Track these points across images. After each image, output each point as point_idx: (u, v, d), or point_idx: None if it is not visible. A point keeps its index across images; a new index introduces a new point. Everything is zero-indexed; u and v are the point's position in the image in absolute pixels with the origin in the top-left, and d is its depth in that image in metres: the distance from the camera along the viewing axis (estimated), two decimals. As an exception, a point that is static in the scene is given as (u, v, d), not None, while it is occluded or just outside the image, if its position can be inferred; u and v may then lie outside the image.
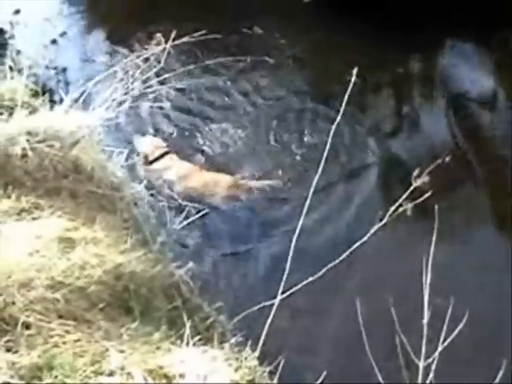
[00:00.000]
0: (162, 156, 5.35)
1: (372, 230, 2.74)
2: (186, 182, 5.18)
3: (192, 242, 4.44)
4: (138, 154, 5.23)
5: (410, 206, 2.66)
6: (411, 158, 5.64)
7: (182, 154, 5.55)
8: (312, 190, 2.81)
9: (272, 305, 2.74)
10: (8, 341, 2.40)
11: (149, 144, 5.47)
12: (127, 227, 3.33)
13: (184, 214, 4.10)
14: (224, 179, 5.20)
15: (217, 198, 4.98)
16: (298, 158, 5.67)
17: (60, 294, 2.61)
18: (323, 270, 2.81)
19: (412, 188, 2.69)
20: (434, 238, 2.64)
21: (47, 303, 2.58)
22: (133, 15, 7.86)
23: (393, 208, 2.68)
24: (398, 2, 6.97)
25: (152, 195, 3.86)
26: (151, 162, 5.35)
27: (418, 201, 2.72)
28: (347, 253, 2.83)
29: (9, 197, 3.13)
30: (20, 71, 4.46)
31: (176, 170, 5.29)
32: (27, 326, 2.48)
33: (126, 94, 4.06)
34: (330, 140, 2.86)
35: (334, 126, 2.89)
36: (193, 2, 7.63)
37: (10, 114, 3.58)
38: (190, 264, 3.27)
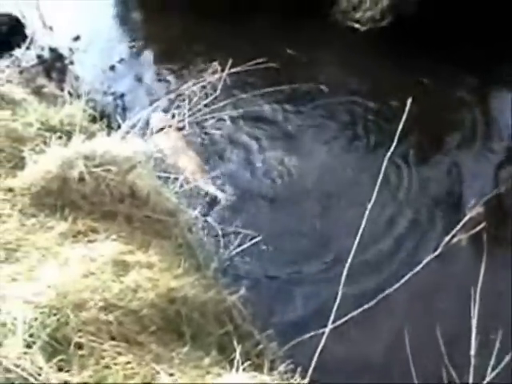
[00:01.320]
0: (162, 129, 5.72)
1: (425, 261, 2.83)
2: (175, 159, 5.60)
3: (245, 269, 4.59)
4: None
5: (464, 236, 2.73)
6: (466, 188, 5.71)
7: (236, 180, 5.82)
8: (365, 218, 2.92)
9: (323, 333, 2.85)
10: (60, 360, 2.55)
11: (156, 118, 5.83)
12: (181, 252, 3.50)
13: (238, 240, 4.26)
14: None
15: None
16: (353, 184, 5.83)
17: (113, 316, 2.78)
18: (375, 300, 2.91)
19: (467, 218, 2.78)
20: (483, 268, 2.71)
21: (100, 324, 2.75)
22: (191, 43, 8.24)
23: (447, 238, 2.77)
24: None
25: (206, 221, 4.05)
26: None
27: (472, 231, 2.79)
28: (401, 282, 2.92)
29: (65, 219, 3.36)
30: (79, 97, 4.78)
31: (171, 145, 5.67)
32: (80, 347, 2.65)
33: (182, 121, 4.31)
34: (384, 167, 2.97)
35: (388, 154, 3.00)
36: (250, 31, 7.94)
37: (69, 139, 3.83)
38: (243, 290, 3.43)
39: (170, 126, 5.75)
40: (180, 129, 5.87)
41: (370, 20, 8.20)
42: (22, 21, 7.22)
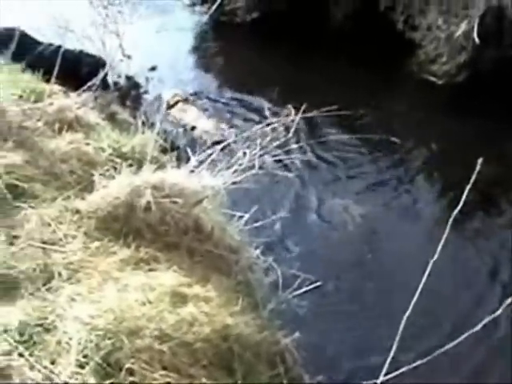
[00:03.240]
0: (177, 103, 7.58)
1: (487, 319, 2.92)
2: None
3: (301, 312, 4.73)
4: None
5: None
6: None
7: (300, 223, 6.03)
8: (426, 274, 3.03)
9: (374, 384, 2.97)
10: (111, 384, 2.76)
11: (170, 94, 7.54)
12: (239, 290, 3.67)
13: (297, 283, 4.40)
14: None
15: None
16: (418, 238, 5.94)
17: (167, 346, 2.95)
18: (433, 354, 3.00)
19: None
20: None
21: (153, 353, 2.93)
22: (267, 82, 8.57)
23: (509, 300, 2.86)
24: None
25: (267, 261, 4.22)
26: (170, 108, 7.68)
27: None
28: (461, 338, 3.00)
29: (129, 246, 3.60)
30: (152, 125, 5.08)
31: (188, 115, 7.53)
32: (131, 373, 2.82)
33: (252, 160, 4.53)
34: (449, 225, 3.08)
35: (454, 213, 3.12)
36: (327, 77, 8.22)
37: (139, 167, 4.11)
38: (297, 334, 3.59)
39: (183, 101, 7.51)
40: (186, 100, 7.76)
41: (447, 74, 8.35)
42: (105, 59, 7.64)
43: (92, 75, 6.23)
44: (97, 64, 7.12)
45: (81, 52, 7.67)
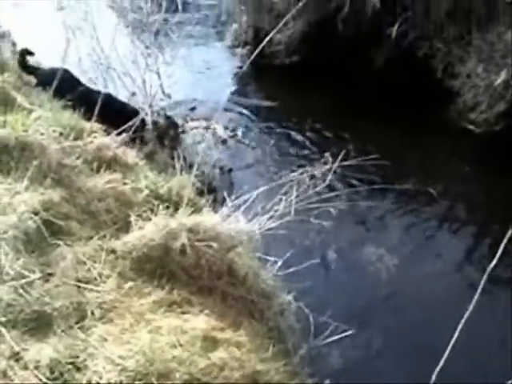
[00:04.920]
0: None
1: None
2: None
3: (332, 361, 4.73)
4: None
5: None
6: None
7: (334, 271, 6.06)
8: (460, 327, 3.02)
9: None
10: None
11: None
12: (271, 336, 3.71)
13: (329, 330, 4.40)
14: None
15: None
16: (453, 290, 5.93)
17: (196, 390, 3.03)
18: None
19: None
20: None
21: (183, 397, 3.01)
22: (304, 127, 8.69)
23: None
24: None
25: (300, 307, 4.23)
26: None
27: None
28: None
29: (162, 288, 3.65)
30: (190, 167, 5.16)
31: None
32: (160, 415, 2.90)
33: (288, 207, 4.58)
34: (484, 279, 3.08)
35: (489, 267, 3.12)
36: (365, 126, 8.30)
37: (175, 209, 4.17)
38: (327, 382, 3.59)
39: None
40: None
41: (485, 123, 8.35)
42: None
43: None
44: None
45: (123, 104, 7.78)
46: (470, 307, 2.94)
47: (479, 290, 3.00)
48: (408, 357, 5.42)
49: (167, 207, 4.19)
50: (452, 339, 2.98)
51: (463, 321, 2.94)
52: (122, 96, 8.08)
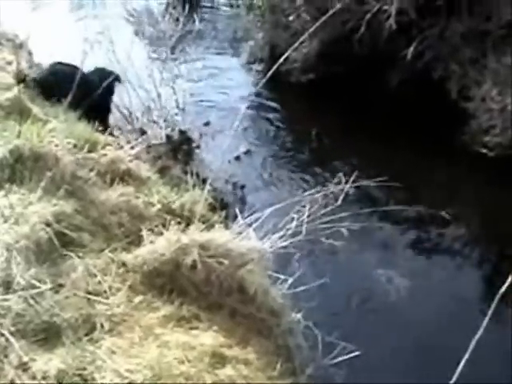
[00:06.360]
0: None
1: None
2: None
3: (338, 381, 4.72)
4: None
5: None
6: None
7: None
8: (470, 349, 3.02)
9: None
10: None
11: None
12: (279, 354, 3.72)
13: (336, 350, 4.40)
14: None
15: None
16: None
17: (203, 406, 3.04)
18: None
19: None
20: None
21: (189, 413, 3.02)
22: (317, 146, 8.70)
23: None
24: None
25: (308, 326, 4.23)
26: None
27: None
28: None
29: (172, 303, 3.68)
30: (203, 182, 5.19)
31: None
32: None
33: (300, 226, 4.60)
34: (495, 302, 3.07)
35: (501, 290, 3.10)
36: (378, 148, 8.32)
37: (187, 225, 4.20)
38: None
39: None
40: None
41: (499, 146, 8.32)
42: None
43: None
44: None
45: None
46: (480, 331, 2.93)
47: (489, 314, 3.00)
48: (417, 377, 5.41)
49: (179, 222, 4.22)
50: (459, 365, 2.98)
51: (472, 345, 2.94)
52: (138, 110, 8.15)
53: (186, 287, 3.81)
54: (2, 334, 3.13)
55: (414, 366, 5.54)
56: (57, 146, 4.75)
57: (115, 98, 7.99)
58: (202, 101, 9.84)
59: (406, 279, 6.14)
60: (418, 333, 5.83)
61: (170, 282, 3.82)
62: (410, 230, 7.26)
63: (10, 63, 7.83)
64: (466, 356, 2.91)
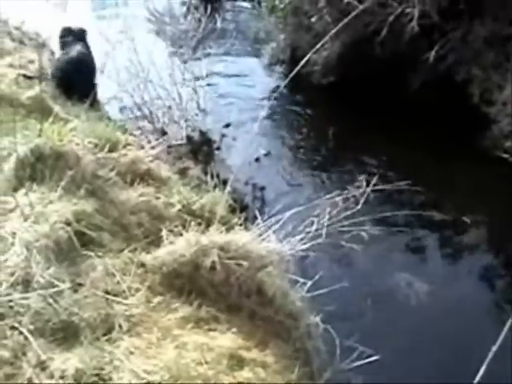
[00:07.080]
0: None
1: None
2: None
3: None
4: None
5: None
6: None
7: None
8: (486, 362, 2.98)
9: None
10: None
11: None
12: (297, 357, 3.69)
13: (355, 354, 4.37)
14: None
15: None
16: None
17: (220, 408, 3.03)
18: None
19: None
20: None
21: (206, 415, 3.00)
22: (338, 149, 8.68)
23: None
24: None
25: (327, 329, 4.21)
26: None
27: None
28: None
29: (191, 304, 3.66)
30: (224, 183, 5.18)
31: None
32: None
33: (320, 229, 4.58)
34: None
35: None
36: (400, 146, 8.30)
37: (207, 226, 4.19)
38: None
39: None
40: None
41: (519, 152, 8.27)
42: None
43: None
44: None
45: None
46: (499, 340, 2.89)
47: (509, 323, 2.95)
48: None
49: (199, 223, 4.20)
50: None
51: (490, 354, 2.89)
52: (159, 110, 8.17)
53: (205, 288, 3.80)
54: (21, 333, 3.13)
55: (433, 371, 5.50)
56: (78, 145, 4.74)
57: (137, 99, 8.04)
58: (222, 102, 9.85)
59: (426, 284, 6.11)
60: (437, 338, 5.80)
61: (189, 283, 3.81)
62: (430, 235, 7.22)
63: (31, 62, 7.86)
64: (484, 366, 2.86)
